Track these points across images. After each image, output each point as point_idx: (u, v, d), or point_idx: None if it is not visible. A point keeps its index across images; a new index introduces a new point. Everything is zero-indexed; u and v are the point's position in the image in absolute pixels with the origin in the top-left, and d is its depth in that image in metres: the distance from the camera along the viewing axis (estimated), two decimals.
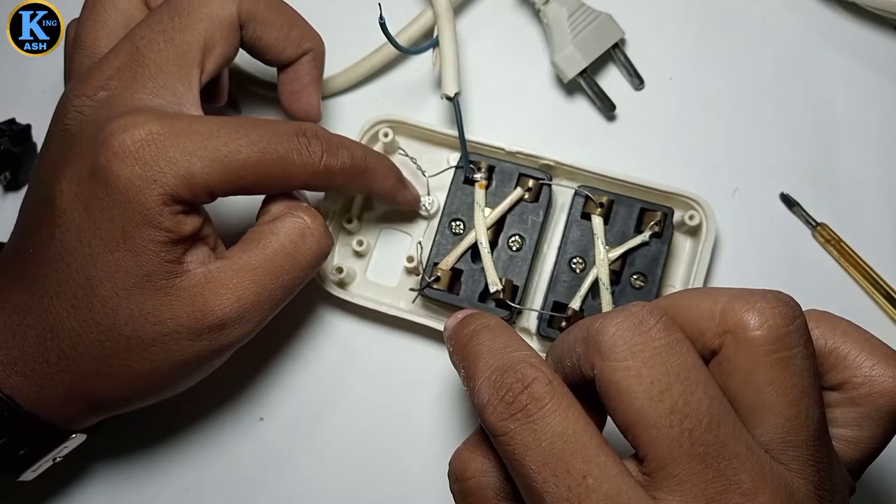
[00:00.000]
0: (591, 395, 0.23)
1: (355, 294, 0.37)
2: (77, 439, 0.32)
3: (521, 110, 0.39)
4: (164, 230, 0.28)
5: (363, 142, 0.37)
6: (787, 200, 0.37)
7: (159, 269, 0.28)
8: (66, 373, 0.29)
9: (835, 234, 0.36)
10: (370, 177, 0.33)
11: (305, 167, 0.30)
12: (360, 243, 0.37)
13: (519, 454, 0.21)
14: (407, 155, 0.38)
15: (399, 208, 0.37)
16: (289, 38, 0.34)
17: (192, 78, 0.31)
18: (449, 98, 0.36)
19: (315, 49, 0.35)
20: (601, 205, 0.35)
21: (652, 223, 0.35)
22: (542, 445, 0.21)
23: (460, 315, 0.28)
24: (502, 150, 0.36)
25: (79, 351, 0.29)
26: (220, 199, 0.30)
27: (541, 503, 0.21)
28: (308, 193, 0.35)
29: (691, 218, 0.35)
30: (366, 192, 0.35)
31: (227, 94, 0.38)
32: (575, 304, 0.34)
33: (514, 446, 0.22)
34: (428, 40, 0.37)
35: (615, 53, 0.39)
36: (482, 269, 0.35)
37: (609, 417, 0.22)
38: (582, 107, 0.39)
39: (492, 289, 0.34)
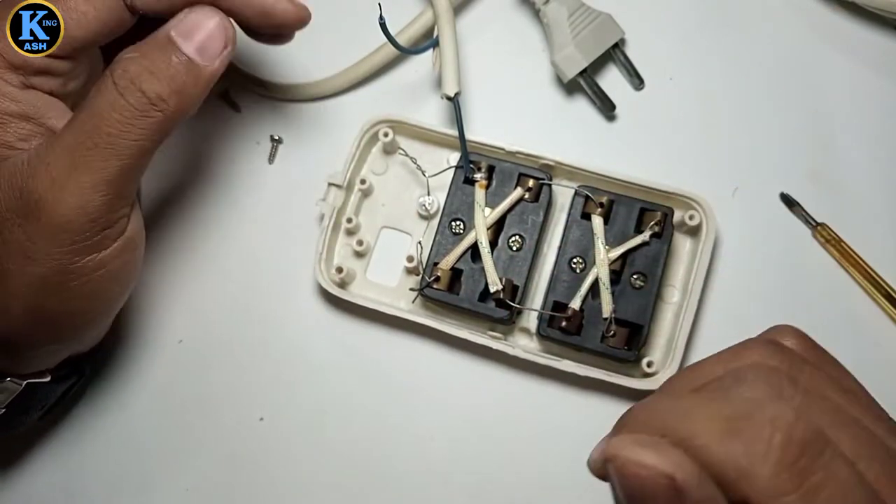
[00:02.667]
0: None
1: (355, 294, 0.37)
2: (11, 385, 0.31)
3: (521, 110, 0.39)
4: None
5: (363, 142, 0.37)
6: (787, 200, 0.37)
7: None
8: None
9: (835, 234, 0.36)
10: None
11: None
12: (360, 243, 0.37)
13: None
14: (407, 155, 0.38)
15: (282, 26, 0.31)
16: None
17: None
18: (449, 98, 0.36)
19: None
20: (601, 205, 0.35)
21: (652, 223, 0.35)
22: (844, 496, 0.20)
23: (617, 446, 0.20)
24: (502, 150, 0.36)
25: None
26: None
27: None
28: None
29: (691, 218, 0.35)
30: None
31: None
32: (575, 303, 0.34)
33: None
34: (428, 40, 0.37)
35: (615, 53, 0.39)
36: (482, 269, 0.35)
37: None
38: (582, 107, 0.39)
39: (492, 288, 0.34)
